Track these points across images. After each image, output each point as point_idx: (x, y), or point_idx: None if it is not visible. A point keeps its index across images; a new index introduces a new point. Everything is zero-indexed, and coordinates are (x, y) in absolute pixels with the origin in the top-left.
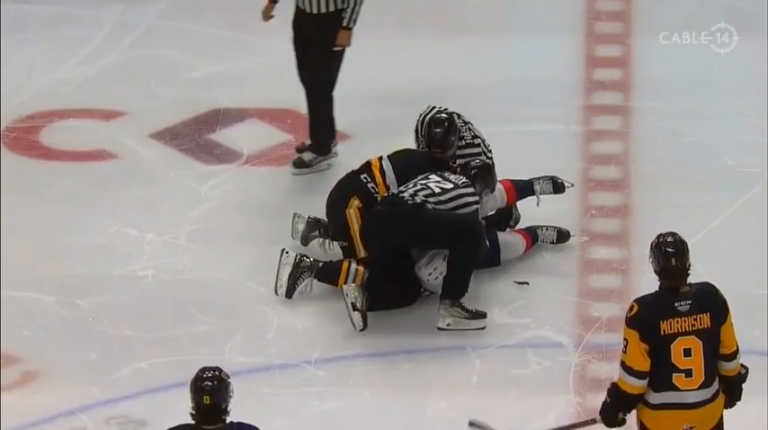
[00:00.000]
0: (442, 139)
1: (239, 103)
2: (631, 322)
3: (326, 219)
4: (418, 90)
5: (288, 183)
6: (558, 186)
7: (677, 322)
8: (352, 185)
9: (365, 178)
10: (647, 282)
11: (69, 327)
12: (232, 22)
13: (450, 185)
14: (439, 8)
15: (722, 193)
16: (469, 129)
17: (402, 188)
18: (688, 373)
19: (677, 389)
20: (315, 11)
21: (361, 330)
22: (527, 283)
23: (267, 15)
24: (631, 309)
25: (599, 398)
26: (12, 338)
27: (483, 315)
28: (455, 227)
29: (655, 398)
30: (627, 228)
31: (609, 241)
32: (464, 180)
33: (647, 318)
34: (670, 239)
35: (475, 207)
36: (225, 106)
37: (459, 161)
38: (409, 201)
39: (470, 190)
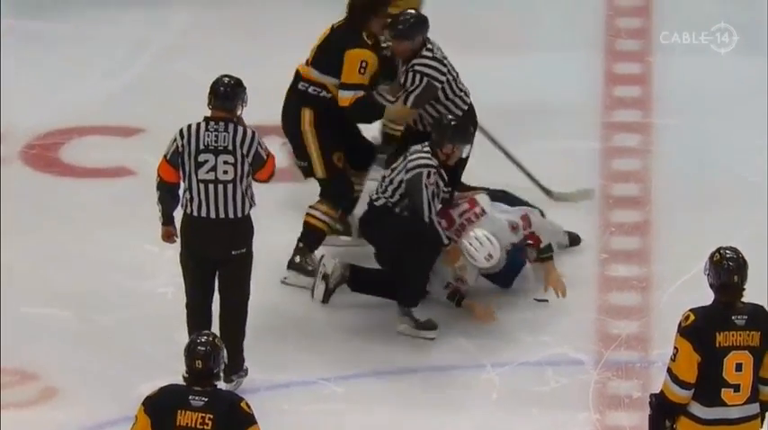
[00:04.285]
0: (408, 27)
1: (258, 119)
2: (686, 331)
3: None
4: None
5: (305, 201)
6: (573, 240)
7: (733, 335)
8: (294, 100)
9: (303, 86)
10: (668, 300)
11: (88, 344)
12: (250, 39)
13: (399, 162)
14: (458, 25)
15: (742, 209)
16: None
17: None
18: (736, 388)
19: (725, 405)
20: None
21: (322, 302)
22: (546, 301)
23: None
24: (687, 318)
25: (619, 416)
26: (29, 354)
27: (433, 326)
28: (407, 233)
29: (704, 412)
30: (646, 246)
31: (628, 258)
32: (417, 148)
33: (703, 329)
34: (731, 255)
35: (420, 170)
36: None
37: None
38: (375, 202)
39: (418, 155)
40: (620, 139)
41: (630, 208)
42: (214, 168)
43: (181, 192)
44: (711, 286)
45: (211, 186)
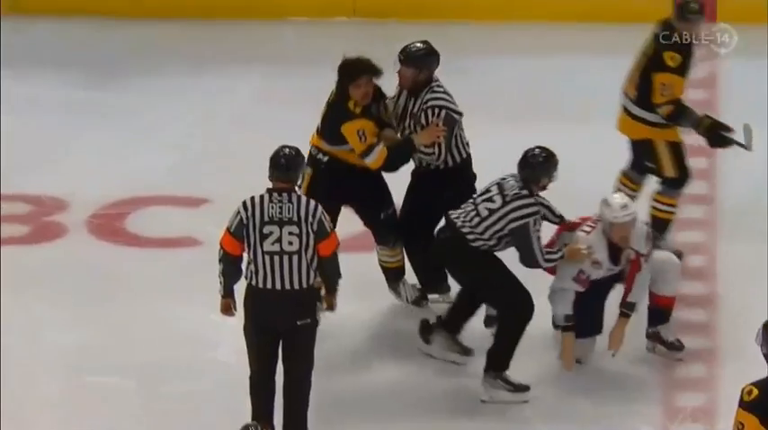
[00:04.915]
0: (416, 54)
1: None
2: (750, 406)
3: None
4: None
5: (372, 269)
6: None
7: None
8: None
9: (312, 150)
10: (732, 373)
11: (151, 414)
12: (317, 110)
13: (497, 204)
14: (519, 94)
15: None
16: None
17: (459, 210)
18: None
19: None
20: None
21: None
22: (581, 362)
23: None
24: (749, 393)
25: None
26: (93, 424)
27: (525, 388)
28: (510, 295)
29: None
30: (712, 318)
31: (694, 331)
32: (516, 191)
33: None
34: None
35: (527, 220)
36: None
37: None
38: (461, 228)
39: (522, 202)
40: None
41: (696, 279)
42: (279, 240)
43: (244, 264)
44: (765, 356)
45: (276, 258)
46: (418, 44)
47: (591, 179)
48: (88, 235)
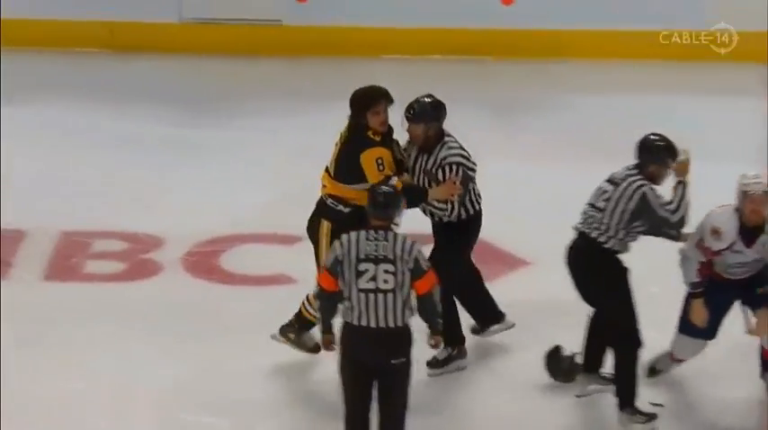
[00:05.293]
0: (421, 110)
1: (420, 228)
2: None
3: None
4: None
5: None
6: None
7: None
8: (318, 209)
9: (324, 197)
10: None
11: None
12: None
13: (611, 189)
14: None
15: None
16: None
17: (582, 217)
18: None
19: None
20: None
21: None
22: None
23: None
24: None
25: None
26: None
27: (654, 416)
28: (626, 323)
29: None
30: None
31: None
32: (625, 173)
33: None
34: None
35: (644, 190)
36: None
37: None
38: (589, 233)
39: (634, 178)
40: None
41: None
42: (374, 278)
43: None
44: None
45: (372, 295)
46: (425, 99)
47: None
48: (183, 272)
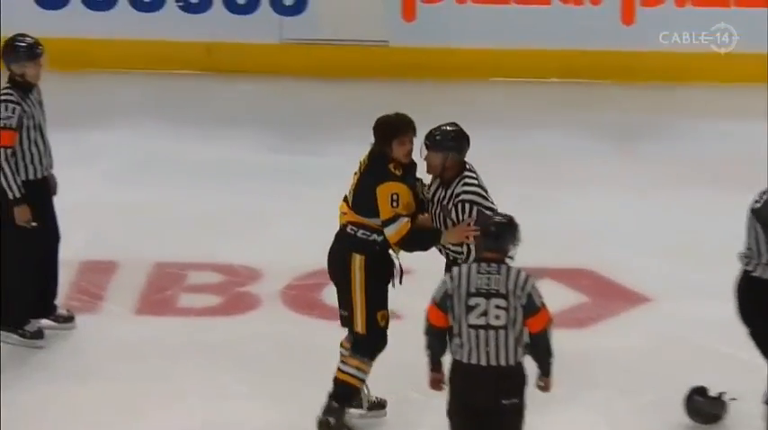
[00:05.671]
0: (444, 138)
1: (533, 262)
2: None
3: None
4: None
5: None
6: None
7: None
8: (343, 244)
9: (352, 229)
10: None
11: None
12: (533, 178)
13: (753, 218)
14: None
15: None
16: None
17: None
18: None
19: None
20: None
21: None
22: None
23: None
24: None
25: None
26: None
27: None
28: None
29: None
30: None
31: None
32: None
33: None
34: None
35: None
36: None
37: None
38: (747, 268)
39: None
40: None
41: None
42: (485, 313)
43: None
44: None
45: (482, 332)
46: (446, 127)
47: None
48: (282, 307)
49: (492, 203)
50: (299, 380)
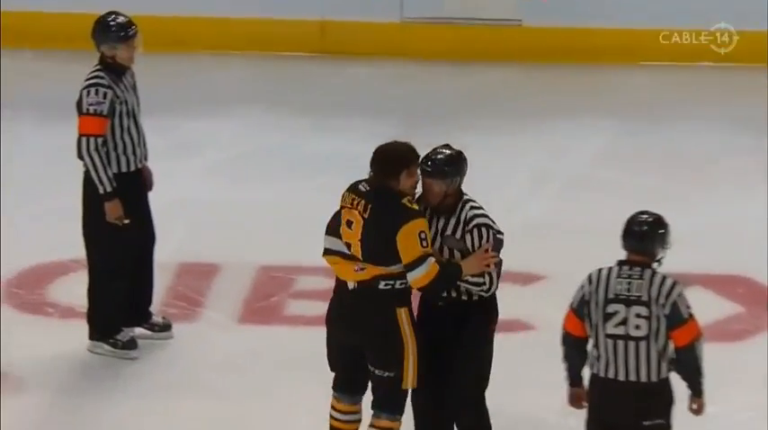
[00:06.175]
0: (446, 163)
1: (681, 267)
2: None
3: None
4: None
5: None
6: None
7: None
8: (380, 301)
9: (385, 284)
10: None
11: None
12: (669, 175)
13: None
14: None
15: None
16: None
17: None
18: None
19: None
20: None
21: None
22: None
23: None
24: None
25: None
26: None
27: None
28: None
29: None
30: None
31: None
32: None
33: None
34: None
35: None
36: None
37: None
38: None
39: None
40: None
41: None
42: (625, 322)
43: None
44: None
45: (621, 343)
46: (446, 150)
47: None
48: None
49: (500, 230)
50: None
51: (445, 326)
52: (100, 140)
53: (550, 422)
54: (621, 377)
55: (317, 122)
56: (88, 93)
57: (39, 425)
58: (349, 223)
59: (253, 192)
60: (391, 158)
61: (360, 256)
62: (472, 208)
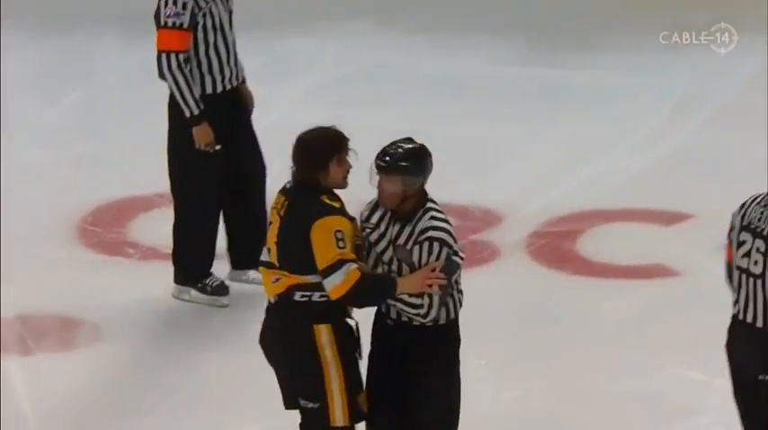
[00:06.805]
0: (404, 157)
1: None
2: None
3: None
4: None
5: None
6: None
7: None
8: (296, 316)
9: (302, 296)
10: None
11: None
12: None
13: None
14: None
15: None
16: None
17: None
18: None
19: None
20: None
21: None
22: None
23: None
24: None
25: None
26: None
27: None
28: None
29: None
30: None
31: None
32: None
33: None
34: None
35: None
36: None
37: None
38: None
39: None
40: None
41: None
42: (748, 253)
43: None
44: None
45: (743, 278)
46: (405, 144)
47: None
48: (527, 259)
49: (461, 250)
50: (548, 351)
51: (394, 351)
52: (182, 57)
53: (694, 378)
54: (741, 316)
55: (433, 40)
56: (166, 2)
57: (116, 381)
58: (270, 225)
59: (361, 118)
60: (315, 148)
61: (276, 261)
62: (433, 217)
